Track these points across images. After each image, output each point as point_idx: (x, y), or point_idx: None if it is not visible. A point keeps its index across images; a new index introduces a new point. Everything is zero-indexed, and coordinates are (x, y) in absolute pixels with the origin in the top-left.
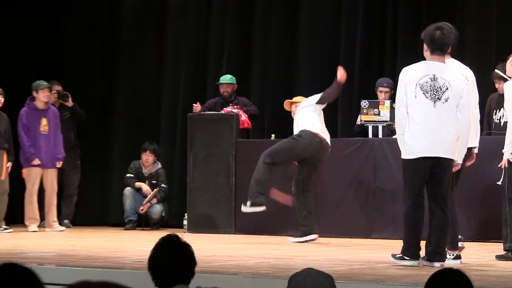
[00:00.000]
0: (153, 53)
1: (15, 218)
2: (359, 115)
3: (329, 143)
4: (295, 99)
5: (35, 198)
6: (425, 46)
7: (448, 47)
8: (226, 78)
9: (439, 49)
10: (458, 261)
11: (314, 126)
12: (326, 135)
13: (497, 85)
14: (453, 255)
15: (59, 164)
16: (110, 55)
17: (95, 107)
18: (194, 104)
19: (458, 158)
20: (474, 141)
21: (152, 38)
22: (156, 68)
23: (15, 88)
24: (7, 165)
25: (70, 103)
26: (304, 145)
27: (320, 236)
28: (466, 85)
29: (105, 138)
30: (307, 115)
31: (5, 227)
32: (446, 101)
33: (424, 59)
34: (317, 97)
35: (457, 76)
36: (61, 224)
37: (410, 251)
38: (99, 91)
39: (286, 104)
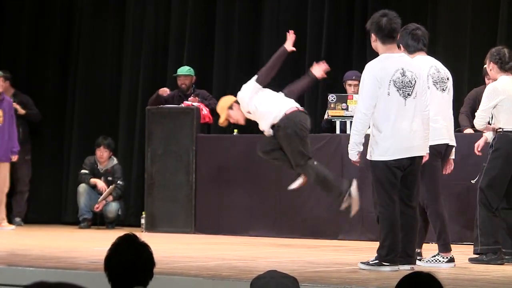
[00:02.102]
0: (111, 43)
1: None
2: (326, 110)
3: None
4: (226, 102)
5: None
6: (373, 36)
7: (397, 33)
8: (184, 70)
9: (389, 36)
10: (452, 264)
11: (280, 105)
12: (293, 103)
13: (487, 81)
14: (446, 258)
15: (14, 158)
16: (65, 44)
17: (49, 100)
18: (162, 89)
19: (427, 150)
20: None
21: (109, 27)
22: (114, 59)
23: None
24: None
25: (21, 111)
26: (304, 128)
27: (283, 237)
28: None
29: (61, 132)
30: (263, 102)
31: None
32: (415, 97)
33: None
34: (252, 81)
35: (418, 66)
36: (11, 222)
37: (390, 256)
38: (53, 84)
39: (223, 112)
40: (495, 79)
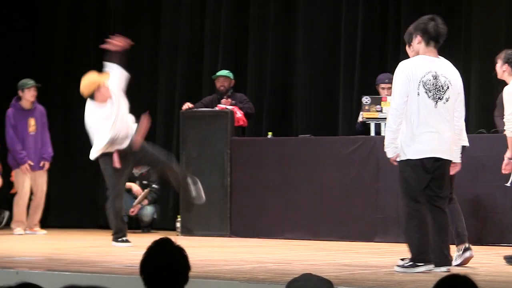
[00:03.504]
0: (146, 48)
1: None
2: (361, 112)
3: None
4: (97, 79)
5: (24, 201)
6: (418, 38)
7: (442, 39)
8: (223, 72)
9: (435, 40)
10: (468, 253)
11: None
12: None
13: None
14: (461, 249)
15: (47, 165)
16: (99, 49)
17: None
18: (186, 104)
19: (457, 158)
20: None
21: (145, 32)
22: (150, 64)
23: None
24: None
25: None
26: None
27: (319, 239)
28: (461, 81)
29: None
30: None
31: None
32: (447, 100)
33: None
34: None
35: (455, 72)
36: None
37: (422, 255)
38: None
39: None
40: (503, 80)
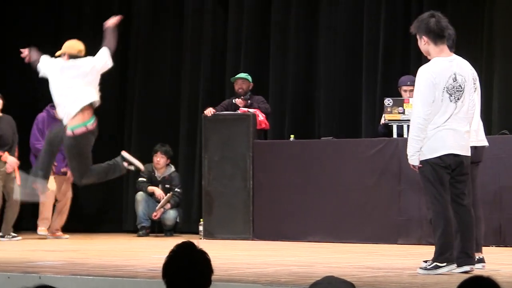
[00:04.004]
0: (169, 51)
1: (22, 225)
2: (383, 114)
3: None
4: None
5: (50, 201)
6: (424, 39)
7: (447, 31)
8: (242, 75)
9: (441, 36)
10: (480, 265)
11: None
12: None
13: None
14: (476, 258)
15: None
16: (123, 52)
17: (108, 108)
18: (209, 109)
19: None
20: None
21: (168, 35)
22: (173, 67)
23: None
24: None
25: None
26: None
27: (342, 242)
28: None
29: (120, 141)
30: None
31: (14, 234)
32: (464, 99)
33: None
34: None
35: (468, 67)
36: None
37: (445, 255)
38: (112, 91)
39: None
40: None
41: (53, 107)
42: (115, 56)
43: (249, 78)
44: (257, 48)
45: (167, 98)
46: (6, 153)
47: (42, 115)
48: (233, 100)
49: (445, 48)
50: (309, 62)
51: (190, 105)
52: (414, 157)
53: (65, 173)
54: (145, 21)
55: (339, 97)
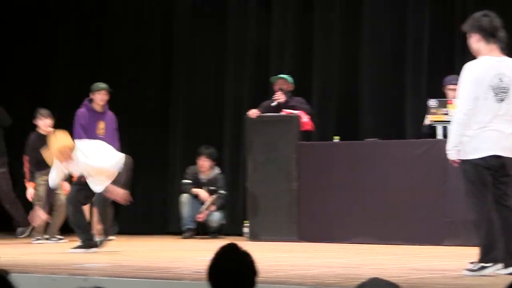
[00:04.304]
0: (213, 54)
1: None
2: (426, 115)
3: None
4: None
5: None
6: (476, 37)
7: (499, 31)
8: (282, 75)
9: (493, 35)
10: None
11: None
12: None
13: None
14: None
15: None
16: (166, 55)
17: (152, 111)
18: (253, 111)
19: None
20: None
21: (211, 37)
22: (217, 69)
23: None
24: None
25: None
26: None
27: (387, 243)
28: None
29: (165, 143)
30: None
31: (60, 237)
32: (510, 100)
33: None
34: None
35: None
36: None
37: (490, 255)
38: (156, 94)
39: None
40: None
41: (91, 101)
42: (157, 58)
43: (290, 79)
44: (301, 50)
45: (211, 100)
46: None
47: (81, 111)
48: (272, 98)
49: (496, 48)
50: (353, 64)
51: (234, 107)
52: (451, 151)
53: None
54: (187, 23)
55: (384, 98)
